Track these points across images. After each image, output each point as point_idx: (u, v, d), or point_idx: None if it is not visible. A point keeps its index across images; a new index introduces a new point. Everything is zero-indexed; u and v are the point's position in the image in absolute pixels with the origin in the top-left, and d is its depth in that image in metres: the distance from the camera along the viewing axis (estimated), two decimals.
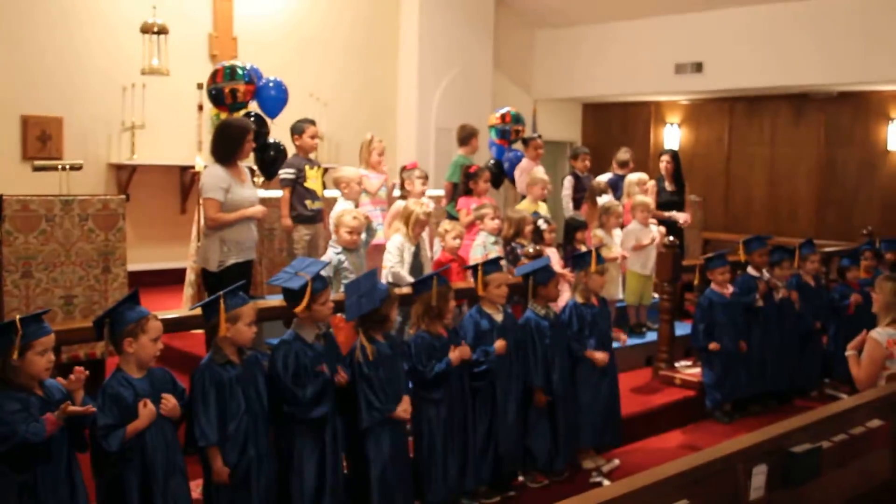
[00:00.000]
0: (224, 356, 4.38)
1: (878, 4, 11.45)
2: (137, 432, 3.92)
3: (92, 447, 3.93)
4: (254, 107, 8.56)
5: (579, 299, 6.24)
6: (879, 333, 5.46)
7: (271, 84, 8.52)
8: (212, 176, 6.22)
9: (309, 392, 4.55)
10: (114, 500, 3.98)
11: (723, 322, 7.33)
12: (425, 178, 7.99)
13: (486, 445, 5.49)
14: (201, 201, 6.39)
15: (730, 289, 7.45)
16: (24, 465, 3.65)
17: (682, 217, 9.79)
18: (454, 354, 5.17)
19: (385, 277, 6.72)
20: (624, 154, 10.41)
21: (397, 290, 5.38)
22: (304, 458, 4.59)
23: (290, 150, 8.22)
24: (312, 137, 7.96)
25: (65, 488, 3.78)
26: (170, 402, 4.08)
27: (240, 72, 7.96)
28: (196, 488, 4.56)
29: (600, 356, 6.07)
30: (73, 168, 6.82)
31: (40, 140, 9.92)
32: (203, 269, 6.41)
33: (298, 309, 4.68)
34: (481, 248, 7.24)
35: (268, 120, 8.70)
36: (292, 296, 4.71)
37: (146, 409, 3.95)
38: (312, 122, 8.04)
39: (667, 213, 9.63)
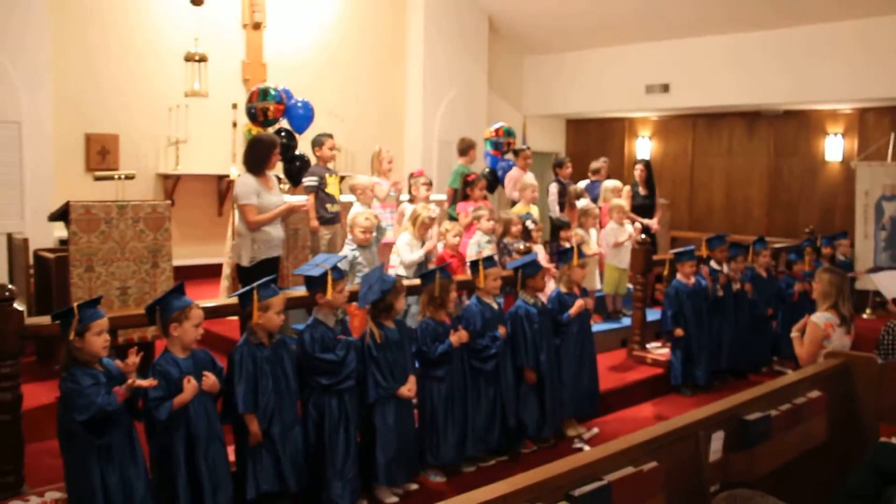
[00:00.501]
0: (257, 338, 4.42)
1: (817, 38, 11.49)
2: (183, 404, 3.97)
3: (145, 417, 3.98)
4: (284, 123, 8.57)
5: (563, 289, 6.26)
6: (818, 317, 5.48)
7: (300, 104, 8.53)
8: (244, 185, 6.24)
9: (340, 354, 4.60)
10: (164, 461, 4.03)
11: (687, 309, 7.36)
12: (429, 184, 8.00)
13: (492, 418, 5.52)
14: (236, 206, 6.40)
15: (693, 280, 7.47)
16: (100, 431, 3.70)
17: (654, 225, 9.82)
18: (454, 338, 5.21)
19: (396, 269, 6.75)
20: (595, 163, 10.45)
21: (405, 282, 5.41)
22: (334, 429, 4.62)
23: (313, 161, 8.23)
24: (331, 149, 7.97)
25: (128, 450, 3.85)
26: (210, 378, 4.11)
27: (272, 93, 7.96)
28: (230, 453, 4.59)
29: (579, 304, 6.11)
30: (128, 178, 6.85)
31: (100, 154, 9.94)
32: (237, 264, 6.44)
33: (320, 295, 4.71)
34: (476, 245, 7.24)
35: (296, 135, 8.71)
36: (314, 283, 4.74)
37: (190, 385, 3.99)
38: (330, 136, 8.05)
39: (640, 220, 9.64)
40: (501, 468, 5.44)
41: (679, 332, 7.29)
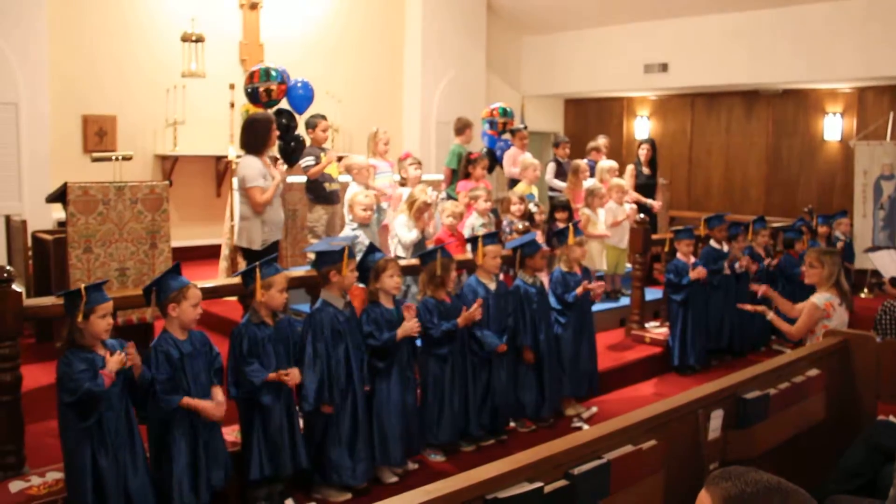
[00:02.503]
0: (259, 317, 4.42)
1: (816, 18, 11.46)
2: (192, 408, 4.00)
3: (149, 398, 4.00)
4: (284, 104, 8.52)
5: (564, 268, 6.26)
6: (819, 298, 5.50)
7: (299, 84, 8.47)
8: (252, 167, 6.14)
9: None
10: (163, 440, 4.04)
11: (689, 286, 7.35)
12: (418, 164, 7.97)
13: (488, 397, 5.51)
14: (237, 189, 6.33)
15: (692, 259, 7.46)
16: (87, 414, 3.71)
17: (655, 205, 9.81)
18: (462, 318, 5.19)
19: (393, 251, 6.74)
20: (593, 142, 10.43)
21: (403, 262, 5.40)
22: (340, 408, 4.63)
23: (308, 142, 8.20)
24: (324, 130, 7.94)
25: (125, 436, 3.86)
26: (219, 398, 4.13)
27: (273, 73, 7.87)
28: (231, 433, 4.60)
29: (588, 285, 6.15)
30: (125, 159, 6.81)
31: (98, 135, 9.93)
32: (246, 248, 6.32)
33: (334, 273, 4.68)
34: (469, 229, 7.23)
35: (296, 115, 8.67)
36: (329, 258, 4.71)
37: (204, 403, 4.02)
38: (324, 117, 8.02)
39: (643, 200, 9.63)
40: (501, 447, 5.45)
41: (700, 271, 7.28)
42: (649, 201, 9.71)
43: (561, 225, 7.62)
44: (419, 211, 6.74)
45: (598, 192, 8.48)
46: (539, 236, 7.41)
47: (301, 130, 8.32)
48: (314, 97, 8.53)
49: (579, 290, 6.07)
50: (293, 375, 4.39)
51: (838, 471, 4.07)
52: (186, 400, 3.96)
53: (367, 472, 4.70)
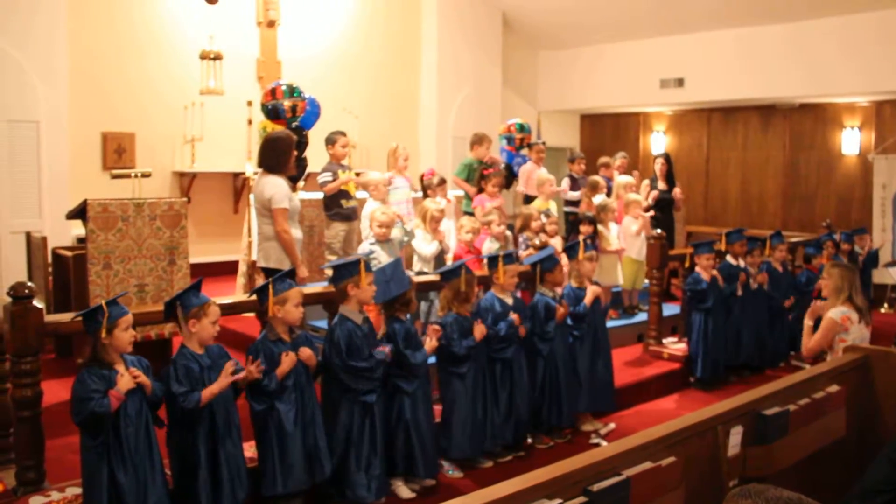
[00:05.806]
0: (276, 333, 4.43)
1: (833, 31, 11.43)
2: (212, 397, 4.02)
3: (168, 413, 4.04)
4: None
5: (574, 284, 6.24)
6: (835, 312, 5.44)
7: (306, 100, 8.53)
8: (280, 187, 6.01)
9: (371, 363, 4.62)
10: (186, 456, 4.06)
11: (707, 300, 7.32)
12: (443, 181, 8.03)
13: (507, 413, 5.50)
14: (255, 206, 6.31)
15: (712, 273, 7.42)
16: (95, 433, 3.75)
17: (677, 193, 9.81)
18: (477, 332, 5.20)
19: (415, 265, 6.74)
20: (602, 159, 10.53)
21: (426, 277, 5.40)
22: (359, 424, 4.63)
23: (313, 160, 8.20)
24: (343, 147, 7.97)
25: (145, 451, 3.88)
26: (230, 367, 4.13)
27: (297, 90, 7.88)
28: (249, 449, 4.60)
29: (592, 290, 6.13)
30: (144, 176, 6.86)
31: (117, 152, 10.02)
32: (273, 268, 6.01)
33: (351, 286, 4.69)
34: (487, 252, 7.22)
35: (305, 131, 8.71)
36: (346, 271, 4.72)
37: (223, 378, 4.05)
38: (343, 134, 8.05)
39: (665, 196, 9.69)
40: (518, 463, 5.43)
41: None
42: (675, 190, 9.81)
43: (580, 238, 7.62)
44: (434, 221, 6.76)
45: (610, 207, 8.47)
46: (560, 247, 7.42)
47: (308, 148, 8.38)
48: (321, 112, 8.58)
49: (588, 298, 6.05)
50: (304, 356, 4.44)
51: (860, 487, 4.02)
52: (206, 392, 4.00)
53: (383, 489, 4.69)
